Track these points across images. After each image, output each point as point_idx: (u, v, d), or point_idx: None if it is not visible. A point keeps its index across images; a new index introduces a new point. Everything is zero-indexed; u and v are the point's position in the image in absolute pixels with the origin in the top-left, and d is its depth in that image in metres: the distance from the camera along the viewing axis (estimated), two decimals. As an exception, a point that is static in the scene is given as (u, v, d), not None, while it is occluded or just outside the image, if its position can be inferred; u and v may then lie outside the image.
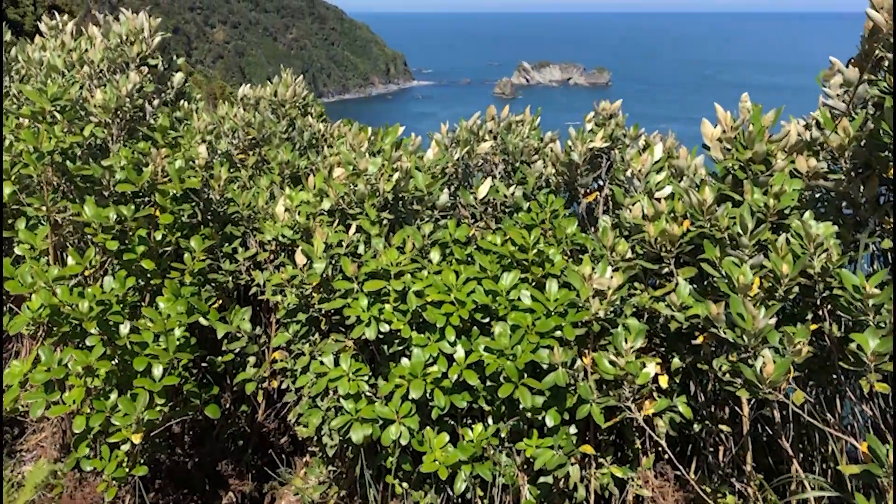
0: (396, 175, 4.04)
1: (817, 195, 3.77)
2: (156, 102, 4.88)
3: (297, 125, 5.00)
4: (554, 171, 4.38)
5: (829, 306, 3.30)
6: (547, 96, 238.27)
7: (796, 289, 3.22)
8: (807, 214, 3.34)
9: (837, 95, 3.61)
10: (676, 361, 3.63)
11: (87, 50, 4.92)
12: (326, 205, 4.12)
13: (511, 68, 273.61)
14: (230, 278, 4.54)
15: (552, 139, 4.55)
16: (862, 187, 3.44)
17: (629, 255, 3.73)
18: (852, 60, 3.53)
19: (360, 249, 3.95)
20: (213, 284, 4.54)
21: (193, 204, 4.61)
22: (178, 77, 4.98)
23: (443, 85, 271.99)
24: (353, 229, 3.93)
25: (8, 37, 5.84)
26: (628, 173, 4.06)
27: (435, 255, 3.89)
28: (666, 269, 3.72)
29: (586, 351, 3.59)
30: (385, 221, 4.03)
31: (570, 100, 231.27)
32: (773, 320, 3.01)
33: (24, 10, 45.68)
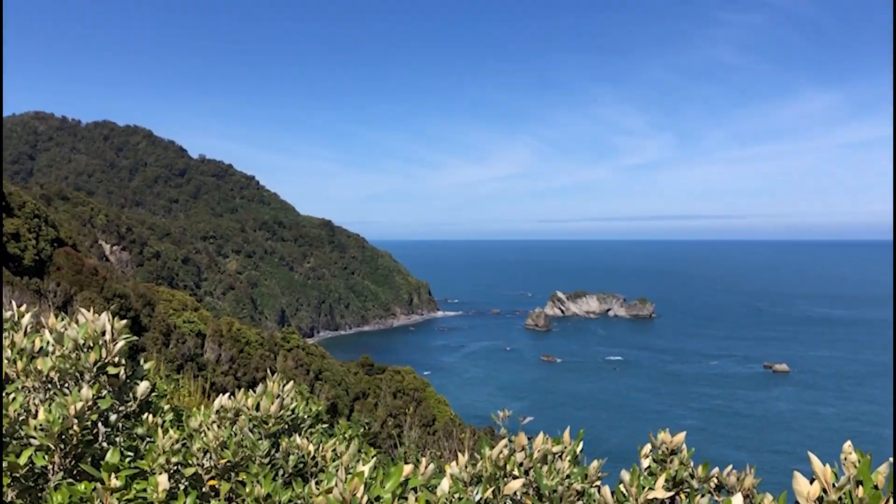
0: (399, 535, 3.45)
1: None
2: (113, 418, 4.43)
3: (281, 446, 4.50)
4: (603, 521, 3.76)
5: None
6: (584, 329, 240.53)
7: None
8: None
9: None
10: None
11: (35, 354, 4.57)
12: (308, 571, 3.51)
13: (544, 298, 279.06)
14: None
15: (597, 475, 3.98)
16: None
17: None
18: None
19: None
20: None
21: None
22: (142, 386, 4.58)
23: (470, 315, 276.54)
24: None
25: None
26: (700, 531, 3.46)
27: None
28: None
29: None
30: None
31: (611, 333, 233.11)
32: None
33: (26, 244, 47.66)
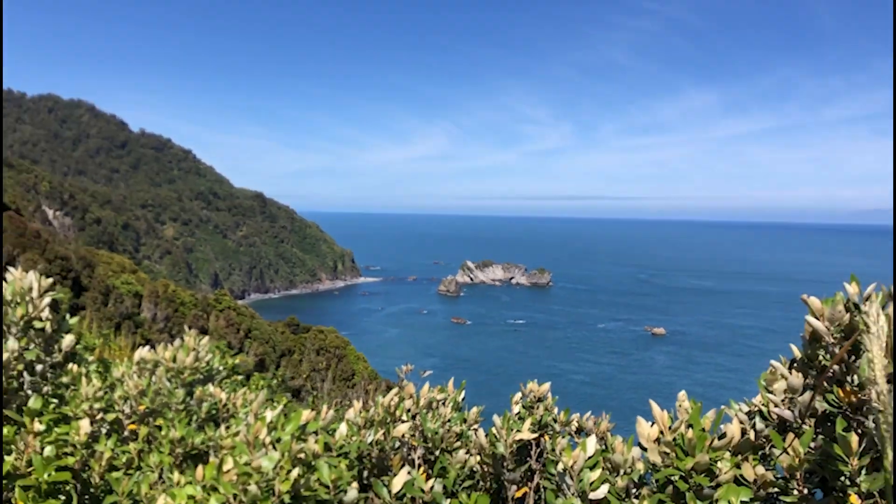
0: (296, 471, 3.49)
1: (768, 507, 3.33)
2: (39, 368, 4.34)
3: (195, 395, 4.48)
4: (479, 459, 3.88)
5: None
6: (490, 295, 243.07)
7: None
8: (761, 544, 2.88)
9: (783, 402, 3.26)
10: None
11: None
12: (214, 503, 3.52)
13: (456, 267, 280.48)
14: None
15: (476, 420, 4.10)
16: (819, 512, 3.01)
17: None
18: (794, 364, 3.23)
19: (248, 566, 3.32)
20: None
21: (69, 487, 3.98)
22: (67, 339, 4.48)
23: (389, 282, 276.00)
24: (241, 540, 3.32)
25: None
26: (560, 467, 3.60)
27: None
28: None
29: None
30: (281, 526, 3.45)
31: (513, 299, 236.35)
32: None
33: (-29, 208, 45.34)
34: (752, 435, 3.51)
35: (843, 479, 2.87)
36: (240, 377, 5.54)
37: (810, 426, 3.15)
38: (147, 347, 4.81)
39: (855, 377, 2.96)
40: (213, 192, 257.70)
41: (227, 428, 4.24)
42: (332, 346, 66.55)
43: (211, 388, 4.55)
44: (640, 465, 3.73)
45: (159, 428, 4.40)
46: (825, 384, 3.06)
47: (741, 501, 3.12)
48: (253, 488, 3.46)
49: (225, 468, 3.65)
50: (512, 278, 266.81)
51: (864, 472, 2.81)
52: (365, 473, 4.11)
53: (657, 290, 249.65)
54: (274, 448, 3.70)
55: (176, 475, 3.89)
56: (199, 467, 3.76)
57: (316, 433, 4.05)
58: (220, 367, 5.01)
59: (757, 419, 3.59)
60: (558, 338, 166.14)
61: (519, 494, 3.86)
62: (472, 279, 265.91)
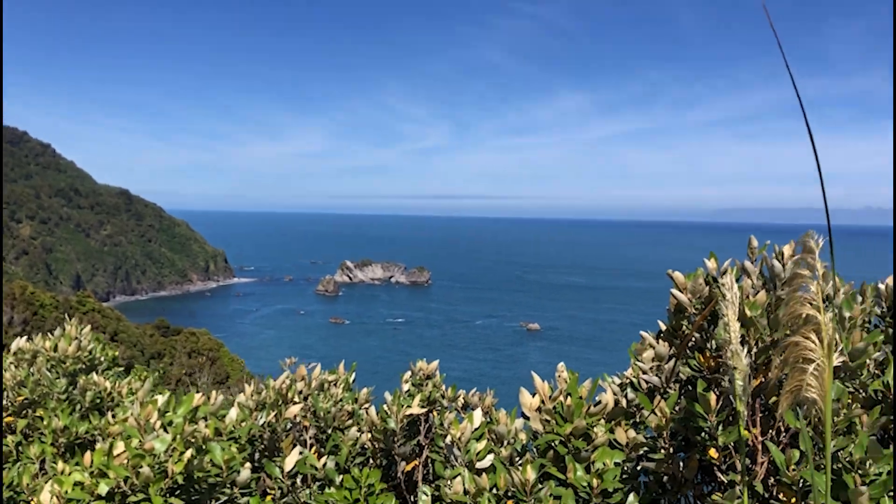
0: (189, 452, 3.53)
1: (639, 467, 3.65)
2: None
3: (79, 383, 4.40)
4: (370, 436, 4.03)
5: None
6: (370, 294, 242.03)
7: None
8: (631, 498, 3.19)
9: (651, 369, 3.59)
10: None
11: None
12: (104, 488, 3.50)
13: (334, 266, 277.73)
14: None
15: (367, 400, 4.24)
16: (683, 467, 3.34)
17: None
18: (661, 335, 3.56)
19: (142, 547, 3.34)
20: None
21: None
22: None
23: (265, 282, 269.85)
24: (134, 522, 3.33)
25: None
26: (447, 440, 3.80)
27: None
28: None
29: None
30: (174, 507, 3.47)
31: (393, 297, 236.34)
32: None
33: None
34: (624, 403, 3.83)
35: (702, 434, 3.21)
36: (121, 368, 5.43)
37: (675, 390, 3.48)
38: (24, 338, 4.68)
39: (713, 343, 3.32)
40: (74, 189, 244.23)
41: (114, 416, 4.20)
42: (206, 349, 64.50)
43: (95, 377, 4.48)
44: (522, 436, 3.99)
45: (41, 418, 4.30)
46: (687, 351, 3.40)
47: (614, 462, 3.43)
48: (145, 470, 3.47)
49: (115, 452, 3.64)
50: (391, 277, 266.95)
51: (721, 427, 3.16)
52: (257, 455, 4.16)
53: (533, 287, 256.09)
54: (165, 431, 3.72)
55: (60, 464, 3.83)
56: (87, 453, 3.72)
57: (206, 418, 4.08)
58: (102, 358, 4.92)
59: (628, 389, 3.92)
60: (436, 335, 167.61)
61: (409, 468, 4.03)
62: (350, 279, 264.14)
